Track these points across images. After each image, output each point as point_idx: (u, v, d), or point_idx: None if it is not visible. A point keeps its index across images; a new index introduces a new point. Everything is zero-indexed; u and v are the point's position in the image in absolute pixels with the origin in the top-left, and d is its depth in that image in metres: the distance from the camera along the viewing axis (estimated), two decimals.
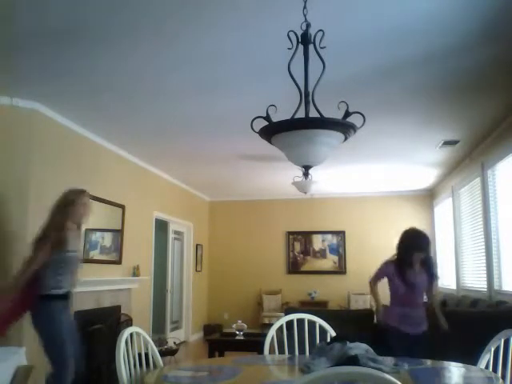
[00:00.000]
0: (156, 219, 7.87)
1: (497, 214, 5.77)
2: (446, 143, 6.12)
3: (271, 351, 3.03)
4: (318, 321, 3.13)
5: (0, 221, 4.47)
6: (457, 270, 7.77)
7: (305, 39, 2.37)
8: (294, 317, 3.14)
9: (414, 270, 4.07)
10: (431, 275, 4.14)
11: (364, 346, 2.35)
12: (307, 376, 1.32)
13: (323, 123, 2.20)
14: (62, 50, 3.57)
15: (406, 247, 4.08)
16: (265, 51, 3.57)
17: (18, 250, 4.48)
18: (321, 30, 2.35)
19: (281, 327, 3.09)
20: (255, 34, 3.33)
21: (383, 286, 4.20)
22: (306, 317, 3.14)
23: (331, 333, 3.03)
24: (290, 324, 3.14)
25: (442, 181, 8.65)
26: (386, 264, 4.16)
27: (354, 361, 2.16)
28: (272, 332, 3.04)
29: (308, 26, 2.37)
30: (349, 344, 2.31)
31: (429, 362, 2.68)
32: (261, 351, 3.02)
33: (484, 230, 6.14)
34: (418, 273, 4.08)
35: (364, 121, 2.19)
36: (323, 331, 3.09)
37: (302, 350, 3.10)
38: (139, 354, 2.68)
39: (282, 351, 3.11)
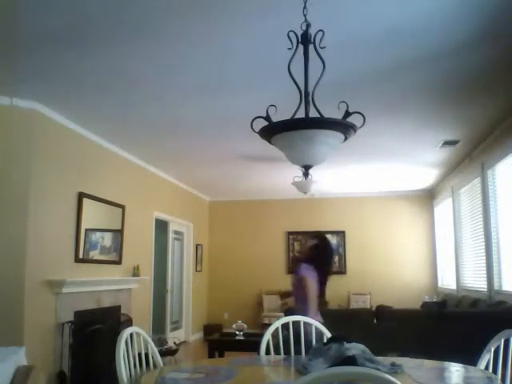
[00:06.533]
0: (156, 219, 7.87)
1: (497, 214, 5.77)
2: (446, 143, 6.12)
3: (267, 353, 3.02)
4: (314, 323, 3.13)
5: (0, 221, 4.48)
6: (457, 270, 7.77)
7: (305, 39, 2.37)
8: (290, 319, 3.13)
9: None
10: None
11: (361, 346, 2.35)
12: (306, 377, 1.31)
13: (323, 123, 2.20)
14: (62, 50, 3.57)
15: None
16: (265, 51, 3.57)
17: (18, 250, 4.49)
18: (321, 30, 2.35)
19: (277, 330, 3.08)
20: (255, 34, 3.33)
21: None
22: (302, 319, 3.13)
23: (327, 335, 3.02)
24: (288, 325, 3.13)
25: (442, 181, 8.65)
26: None
27: (351, 361, 2.16)
28: (268, 335, 3.03)
29: (308, 26, 2.37)
30: (346, 344, 2.31)
31: (428, 363, 2.68)
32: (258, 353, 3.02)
33: (484, 230, 6.14)
34: None
35: (364, 121, 2.19)
36: (319, 333, 3.08)
37: (298, 353, 3.08)
38: (139, 354, 2.68)
39: (278, 354, 3.10)
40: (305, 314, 3.44)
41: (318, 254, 3.90)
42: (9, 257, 4.45)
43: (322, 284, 3.84)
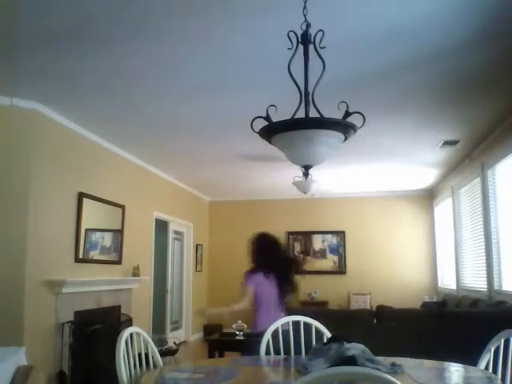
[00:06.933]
0: (156, 219, 7.87)
1: (497, 214, 5.77)
2: (446, 143, 6.12)
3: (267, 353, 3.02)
4: (314, 323, 3.12)
5: (0, 221, 4.47)
6: (457, 270, 7.77)
7: (305, 39, 2.37)
8: (290, 319, 3.12)
9: None
10: None
11: (361, 346, 2.35)
12: (306, 377, 1.31)
13: (323, 123, 2.20)
14: (63, 50, 3.56)
15: None
16: (265, 51, 3.57)
17: (18, 250, 4.49)
18: (321, 30, 2.35)
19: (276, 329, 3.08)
20: (255, 34, 3.33)
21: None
22: (302, 319, 3.12)
23: (327, 335, 3.02)
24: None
25: (442, 181, 8.65)
26: None
27: (351, 361, 2.16)
28: (268, 335, 3.03)
29: (308, 26, 2.37)
30: (346, 344, 2.31)
31: (428, 363, 2.68)
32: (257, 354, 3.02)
33: (484, 230, 6.14)
34: None
35: (364, 121, 2.19)
36: (318, 332, 3.08)
37: (298, 353, 3.08)
38: (139, 354, 2.68)
39: (278, 354, 3.10)
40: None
41: (253, 254, 3.94)
42: (9, 257, 4.45)
43: (278, 284, 3.85)
